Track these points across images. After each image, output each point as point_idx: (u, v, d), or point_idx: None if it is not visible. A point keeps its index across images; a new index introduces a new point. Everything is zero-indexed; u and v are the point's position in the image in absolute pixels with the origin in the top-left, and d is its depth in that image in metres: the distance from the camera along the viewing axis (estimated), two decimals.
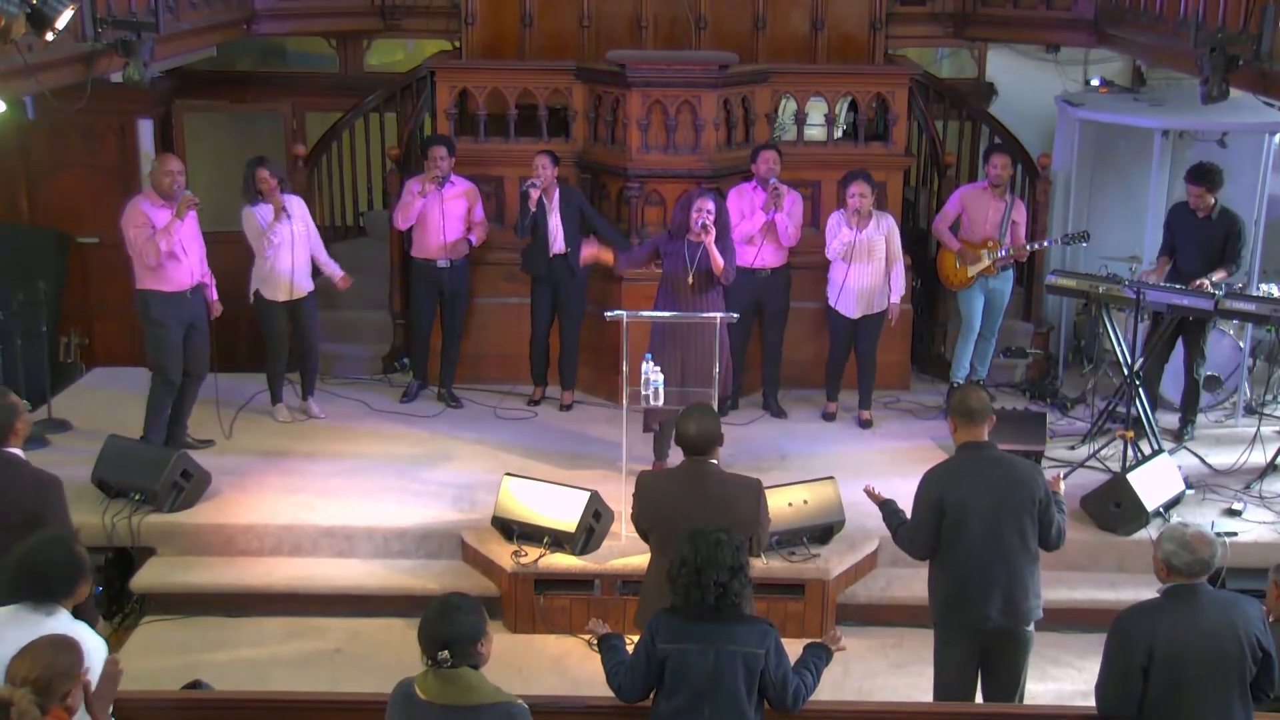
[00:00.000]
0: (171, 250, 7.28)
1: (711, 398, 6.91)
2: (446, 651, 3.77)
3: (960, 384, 8.58)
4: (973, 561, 5.03)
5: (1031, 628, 5.21)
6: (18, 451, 5.13)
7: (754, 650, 4.23)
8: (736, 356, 7.93)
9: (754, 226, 8.09)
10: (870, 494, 5.49)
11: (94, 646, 4.02)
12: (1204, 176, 7.91)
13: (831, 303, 8.28)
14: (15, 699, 3.44)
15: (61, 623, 4.03)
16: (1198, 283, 7.83)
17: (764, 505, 5.23)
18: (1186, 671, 4.23)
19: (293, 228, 7.93)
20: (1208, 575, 4.35)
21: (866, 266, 8.10)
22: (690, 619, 4.25)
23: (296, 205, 8.09)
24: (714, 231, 7.14)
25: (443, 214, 8.24)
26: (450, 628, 3.80)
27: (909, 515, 5.26)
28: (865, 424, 8.46)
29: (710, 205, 7.19)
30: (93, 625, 4.40)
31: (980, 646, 5.17)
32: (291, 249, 7.92)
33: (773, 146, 8.25)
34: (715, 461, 5.19)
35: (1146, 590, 5.51)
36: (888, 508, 5.37)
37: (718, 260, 7.21)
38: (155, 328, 7.44)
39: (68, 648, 3.75)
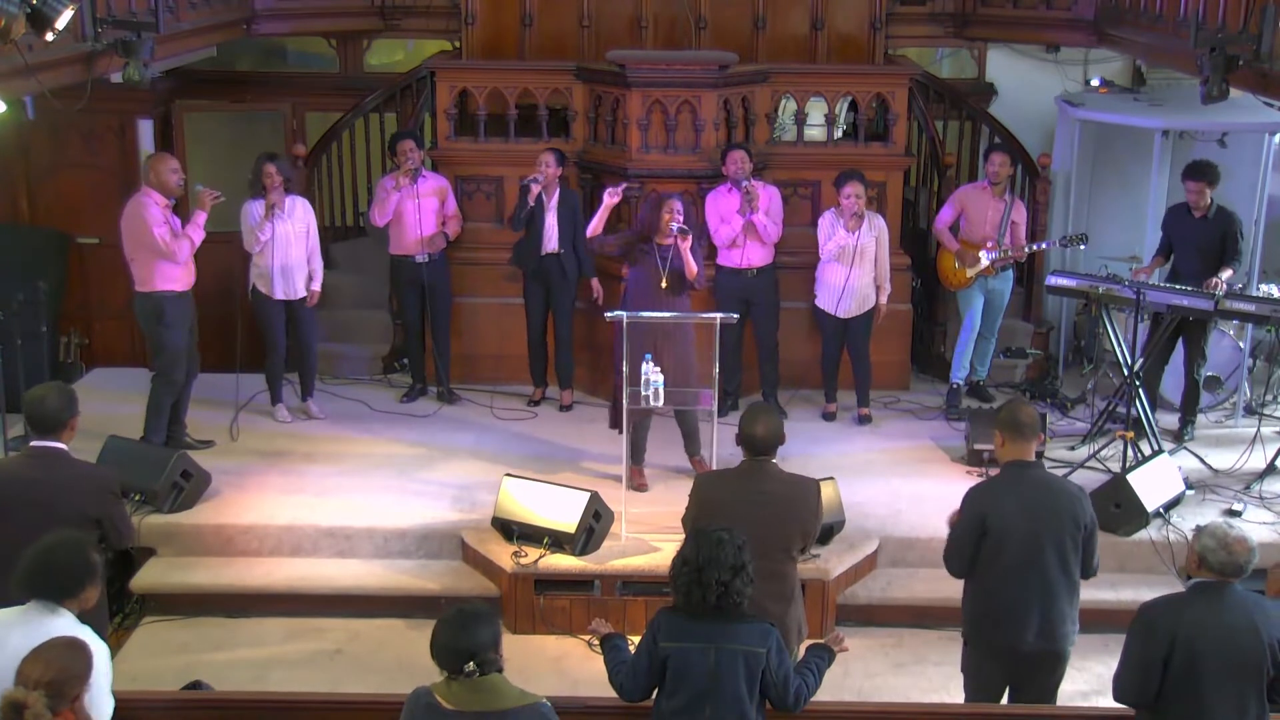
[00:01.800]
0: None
1: (703, 397, 6.91)
2: (472, 663, 3.75)
3: (977, 384, 8.65)
4: (1009, 584, 4.92)
5: (1069, 649, 5.09)
6: (64, 447, 5.02)
7: (755, 649, 4.23)
8: (730, 357, 7.92)
9: (735, 229, 8.06)
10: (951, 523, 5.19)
11: (96, 650, 4.00)
12: (1201, 172, 7.90)
13: (820, 303, 8.28)
14: (29, 702, 3.42)
15: (67, 625, 4.01)
16: (1210, 282, 7.78)
17: (821, 505, 5.24)
18: (1204, 667, 4.22)
19: (288, 228, 7.95)
20: (1239, 578, 4.31)
21: (860, 268, 8.11)
22: (692, 618, 4.25)
23: (300, 208, 8.10)
24: (690, 235, 7.10)
25: (418, 209, 8.25)
26: (473, 639, 3.78)
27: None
28: (864, 420, 8.45)
29: (680, 206, 7.15)
30: (102, 630, 4.37)
31: (1013, 664, 5.06)
32: (283, 249, 7.92)
33: (741, 147, 8.18)
34: (776, 461, 5.17)
35: (1147, 590, 5.51)
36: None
37: (692, 265, 7.16)
38: (166, 330, 7.43)
39: (79, 650, 3.73)
